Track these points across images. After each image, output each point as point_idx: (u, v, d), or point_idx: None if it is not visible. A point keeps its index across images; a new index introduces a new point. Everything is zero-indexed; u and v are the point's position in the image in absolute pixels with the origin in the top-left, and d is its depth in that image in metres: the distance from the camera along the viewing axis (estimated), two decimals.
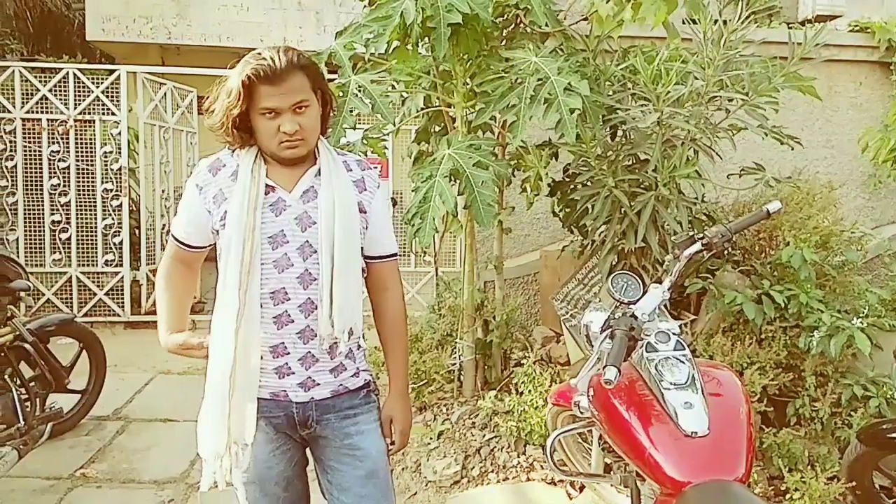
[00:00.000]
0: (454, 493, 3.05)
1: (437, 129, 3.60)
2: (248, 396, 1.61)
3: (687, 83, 2.92)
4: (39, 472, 3.30)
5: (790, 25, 4.86)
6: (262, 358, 1.66)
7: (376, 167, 1.98)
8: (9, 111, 5.57)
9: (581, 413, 2.05)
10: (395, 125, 3.15)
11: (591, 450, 2.50)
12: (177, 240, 1.76)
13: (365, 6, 3.21)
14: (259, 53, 1.58)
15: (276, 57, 1.55)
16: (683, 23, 3.25)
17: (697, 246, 2.03)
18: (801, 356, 3.03)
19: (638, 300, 1.94)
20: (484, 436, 3.32)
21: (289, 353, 1.66)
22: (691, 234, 2.09)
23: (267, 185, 1.65)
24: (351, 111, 2.82)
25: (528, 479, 3.06)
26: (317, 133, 1.67)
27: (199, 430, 1.67)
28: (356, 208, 1.69)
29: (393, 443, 1.82)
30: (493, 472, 3.13)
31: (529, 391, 3.24)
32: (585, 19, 3.34)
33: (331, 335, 1.65)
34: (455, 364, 3.70)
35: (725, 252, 2.88)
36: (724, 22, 2.89)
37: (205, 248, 1.77)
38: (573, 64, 2.84)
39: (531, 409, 3.15)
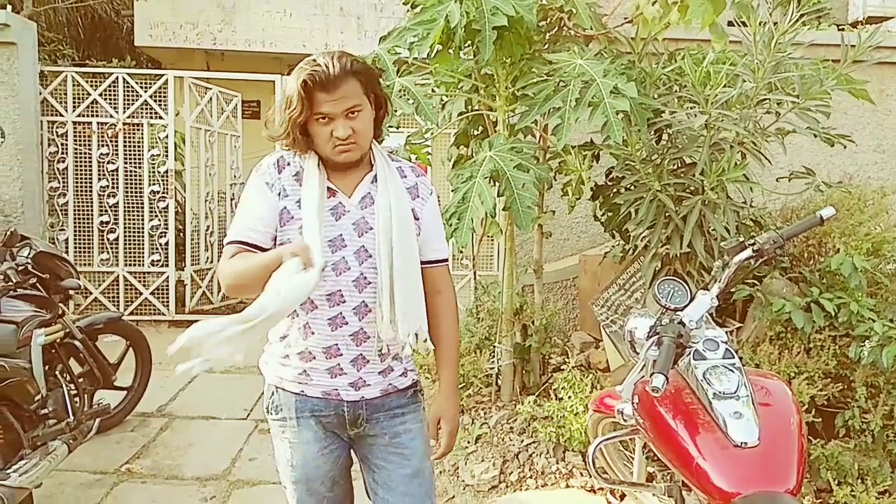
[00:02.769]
0: (492, 497, 3.04)
1: (477, 132, 3.60)
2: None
3: (735, 86, 2.87)
4: (87, 466, 3.38)
5: (840, 27, 4.74)
6: (314, 358, 1.68)
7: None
8: (61, 115, 5.73)
9: (624, 420, 2.03)
10: (438, 126, 3.16)
11: (632, 458, 2.47)
12: (240, 242, 1.66)
13: (408, 10, 3.23)
14: (314, 60, 1.59)
15: (330, 63, 1.57)
16: (730, 24, 3.20)
17: (748, 252, 1.99)
18: (852, 366, 2.95)
19: (685, 307, 1.90)
20: (522, 441, 3.30)
21: (341, 355, 1.68)
22: (741, 240, 2.04)
23: (329, 189, 1.67)
24: (395, 111, 2.84)
25: (568, 486, 3.03)
26: (369, 137, 1.68)
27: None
28: (411, 215, 1.71)
29: (439, 445, 1.82)
30: (531, 477, 3.11)
31: (569, 397, 3.21)
32: (630, 21, 3.31)
33: (392, 339, 1.67)
34: (493, 368, 3.68)
35: (774, 259, 2.82)
36: (775, 23, 2.83)
37: (267, 250, 1.67)
38: (619, 66, 2.81)
39: (571, 414, 3.12)
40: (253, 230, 1.66)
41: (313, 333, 1.67)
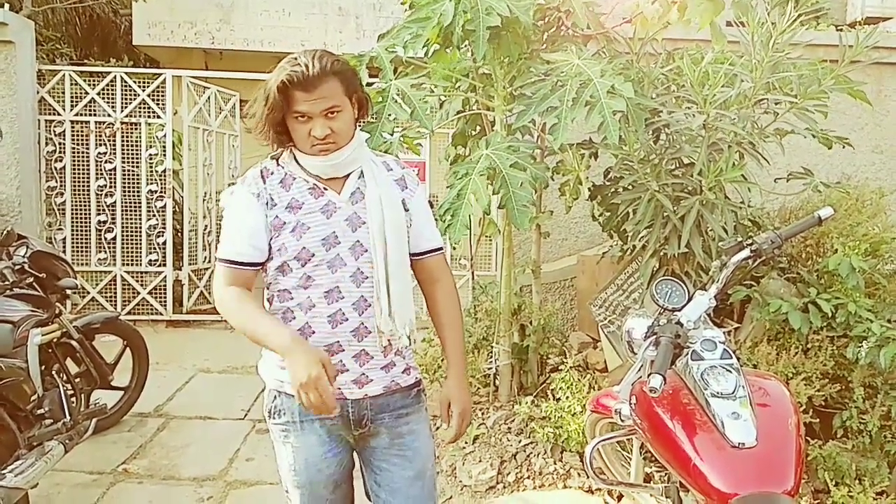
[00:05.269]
0: (489, 498, 3.03)
1: (475, 132, 3.59)
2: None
3: (734, 86, 2.87)
4: (83, 466, 3.37)
5: (838, 28, 4.74)
6: None
7: (414, 169, 2.00)
8: (59, 114, 5.72)
9: (622, 421, 2.02)
10: (433, 131, 3.16)
11: (630, 458, 2.46)
12: (232, 262, 1.65)
13: (406, 10, 3.22)
14: (295, 58, 1.60)
15: (311, 63, 1.57)
16: (728, 24, 3.20)
17: (746, 252, 1.98)
18: (849, 367, 2.95)
19: (683, 307, 1.90)
20: (520, 441, 3.29)
21: (343, 351, 1.67)
22: (739, 240, 2.04)
23: (317, 187, 1.68)
24: (390, 116, 2.84)
25: (565, 487, 3.03)
26: (348, 136, 1.68)
27: None
28: (401, 206, 1.73)
29: (450, 432, 1.82)
30: (528, 478, 3.10)
31: (567, 397, 3.21)
32: (628, 21, 3.30)
33: (392, 331, 1.68)
34: (491, 368, 3.68)
35: (772, 259, 2.81)
36: (773, 24, 2.83)
37: (260, 265, 1.68)
38: (616, 66, 2.81)
39: (568, 415, 3.12)
40: (247, 246, 1.65)
41: (314, 332, 1.66)
